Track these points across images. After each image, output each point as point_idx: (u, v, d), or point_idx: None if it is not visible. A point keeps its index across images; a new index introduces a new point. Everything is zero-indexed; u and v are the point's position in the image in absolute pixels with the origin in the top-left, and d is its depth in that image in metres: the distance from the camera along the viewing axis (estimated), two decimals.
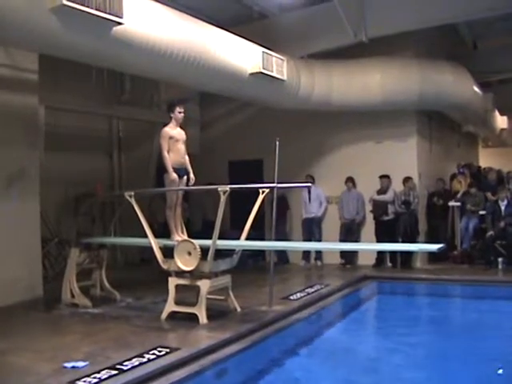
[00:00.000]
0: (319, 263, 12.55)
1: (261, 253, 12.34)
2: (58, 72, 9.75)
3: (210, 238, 7.14)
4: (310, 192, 12.58)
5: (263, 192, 7.50)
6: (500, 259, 11.20)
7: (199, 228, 12.17)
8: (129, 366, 5.26)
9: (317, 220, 12.65)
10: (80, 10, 6.00)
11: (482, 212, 12.00)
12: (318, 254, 12.58)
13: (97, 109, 11.73)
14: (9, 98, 8.48)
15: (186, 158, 7.91)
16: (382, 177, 12.07)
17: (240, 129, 13.68)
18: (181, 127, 7.89)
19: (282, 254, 12.40)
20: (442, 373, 5.95)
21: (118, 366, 5.25)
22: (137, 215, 7.66)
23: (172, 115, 7.80)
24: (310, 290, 9.23)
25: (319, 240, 12.39)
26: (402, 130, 12.24)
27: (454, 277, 10.84)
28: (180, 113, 7.79)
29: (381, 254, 11.95)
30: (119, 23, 6.49)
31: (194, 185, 7.92)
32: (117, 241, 9.97)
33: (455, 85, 11.58)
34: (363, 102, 11.19)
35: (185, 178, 7.84)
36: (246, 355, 6.19)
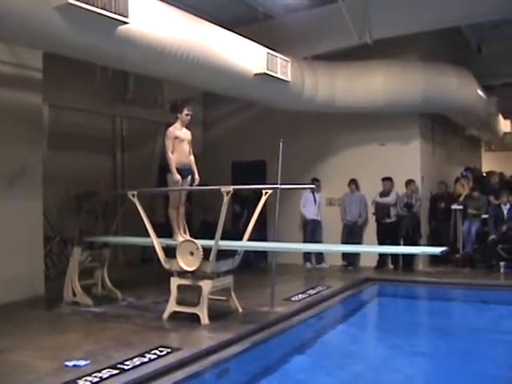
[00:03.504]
0: (324, 265, 12.50)
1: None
2: (62, 70, 9.72)
3: (208, 239, 7.13)
4: (314, 194, 12.56)
5: (266, 193, 7.44)
6: (502, 263, 11.21)
7: (197, 228, 12.09)
8: (130, 366, 5.26)
9: (320, 222, 12.69)
10: (85, 8, 5.99)
11: (484, 216, 11.98)
12: (321, 255, 12.56)
13: (100, 108, 11.70)
14: (13, 96, 8.47)
15: (191, 158, 7.88)
16: (384, 179, 12.05)
17: (243, 129, 13.66)
18: (187, 127, 7.87)
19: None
20: (441, 375, 5.95)
21: (120, 366, 5.25)
22: (139, 215, 7.63)
23: (179, 116, 7.76)
24: (311, 292, 9.23)
25: (320, 241, 12.38)
26: (405, 132, 12.25)
27: (456, 280, 10.80)
28: (187, 115, 7.76)
29: (383, 256, 11.93)
30: (124, 22, 6.48)
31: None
32: (120, 240, 9.95)
33: (459, 88, 11.56)
34: (367, 103, 11.18)
35: (189, 178, 7.81)
36: (247, 356, 6.19)
